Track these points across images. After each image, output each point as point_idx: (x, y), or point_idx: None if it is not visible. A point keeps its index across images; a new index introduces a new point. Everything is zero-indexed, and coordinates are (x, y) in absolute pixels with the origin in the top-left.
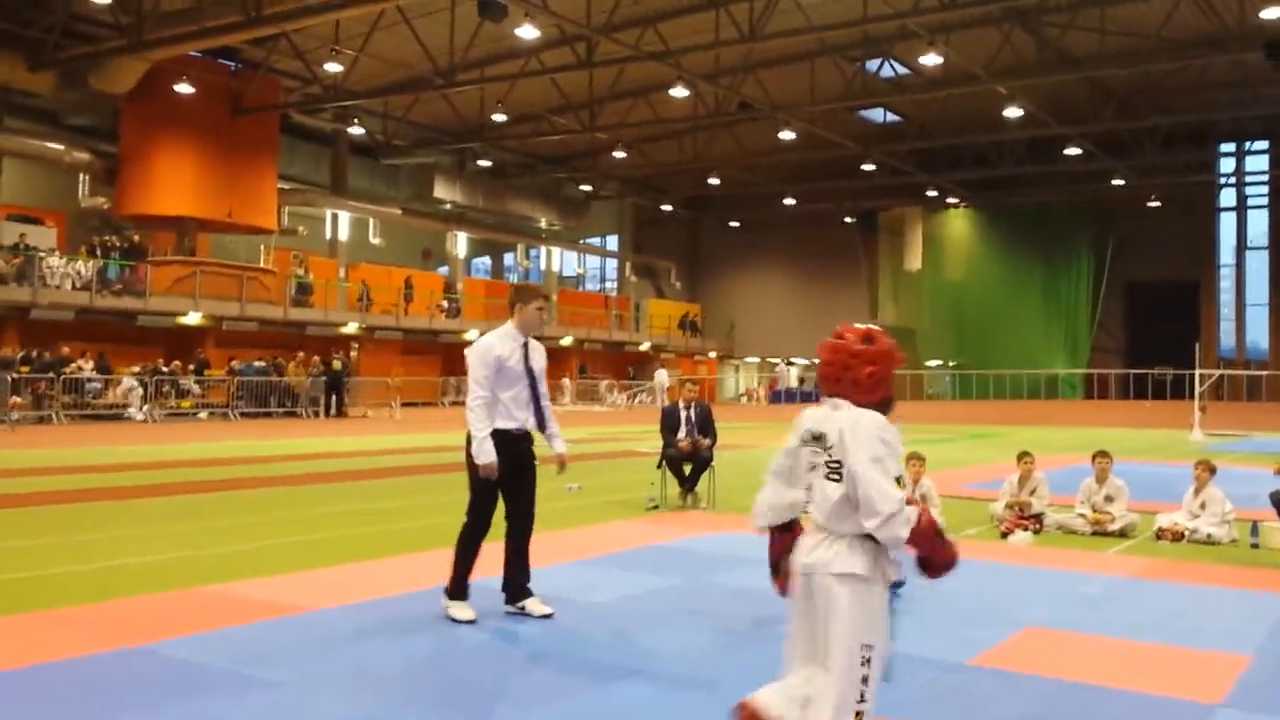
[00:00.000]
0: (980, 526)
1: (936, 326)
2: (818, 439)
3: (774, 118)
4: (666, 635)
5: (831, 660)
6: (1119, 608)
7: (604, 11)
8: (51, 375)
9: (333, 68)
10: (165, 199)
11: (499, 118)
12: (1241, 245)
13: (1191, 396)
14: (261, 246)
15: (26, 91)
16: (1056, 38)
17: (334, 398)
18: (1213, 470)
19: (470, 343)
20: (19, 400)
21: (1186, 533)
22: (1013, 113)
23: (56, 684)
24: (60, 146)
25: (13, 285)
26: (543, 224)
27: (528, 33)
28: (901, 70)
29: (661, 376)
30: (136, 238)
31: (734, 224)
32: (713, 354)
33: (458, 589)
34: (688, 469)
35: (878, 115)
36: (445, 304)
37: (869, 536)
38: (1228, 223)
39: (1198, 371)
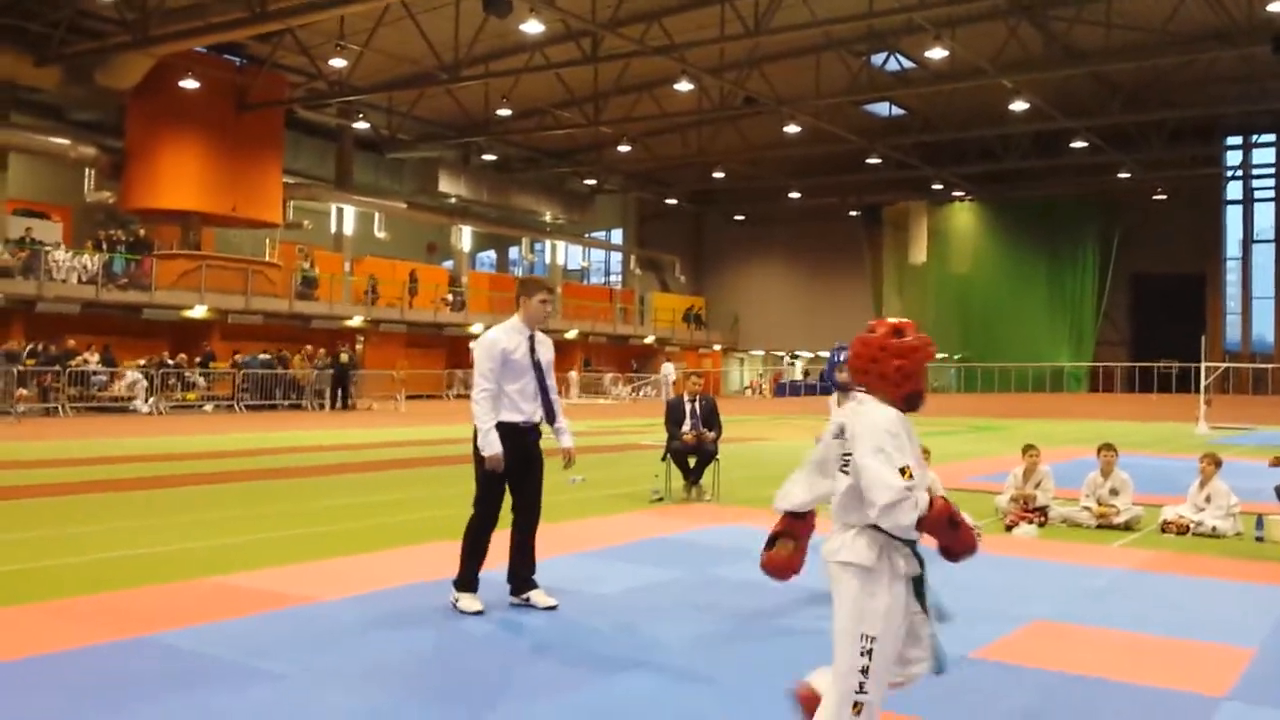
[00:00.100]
0: (985, 519)
1: (941, 320)
2: (842, 433)
3: (779, 112)
4: (670, 627)
5: (835, 648)
6: (1124, 601)
7: (609, 6)
8: (57, 368)
9: (338, 63)
10: (171, 193)
11: (504, 112)
12: (1248, 238)
13: (1197, 390)
14: (266, 240)
15: (33, 87)
16: (1063, 31)
17: (340, 390)
18: (1218, 463)
19: (476, 336)
20: (25, 393)
21: (1191, 526)
22: (1018, 106)
23: (57, 675)
24: (66, 141)
25: (19, 279)
26: (547, 218)
27: (532, 27)
28: (907, 64)
29: (668, 370)
30: (142, 232)
31: (739, 218)
32: (717, 347)
33: (466, 581)
34: (692, 462)
35: (883, 109)
36: (450, 297)
37: (877, 527)
38: (1234, 216)
39: (1203, 365)
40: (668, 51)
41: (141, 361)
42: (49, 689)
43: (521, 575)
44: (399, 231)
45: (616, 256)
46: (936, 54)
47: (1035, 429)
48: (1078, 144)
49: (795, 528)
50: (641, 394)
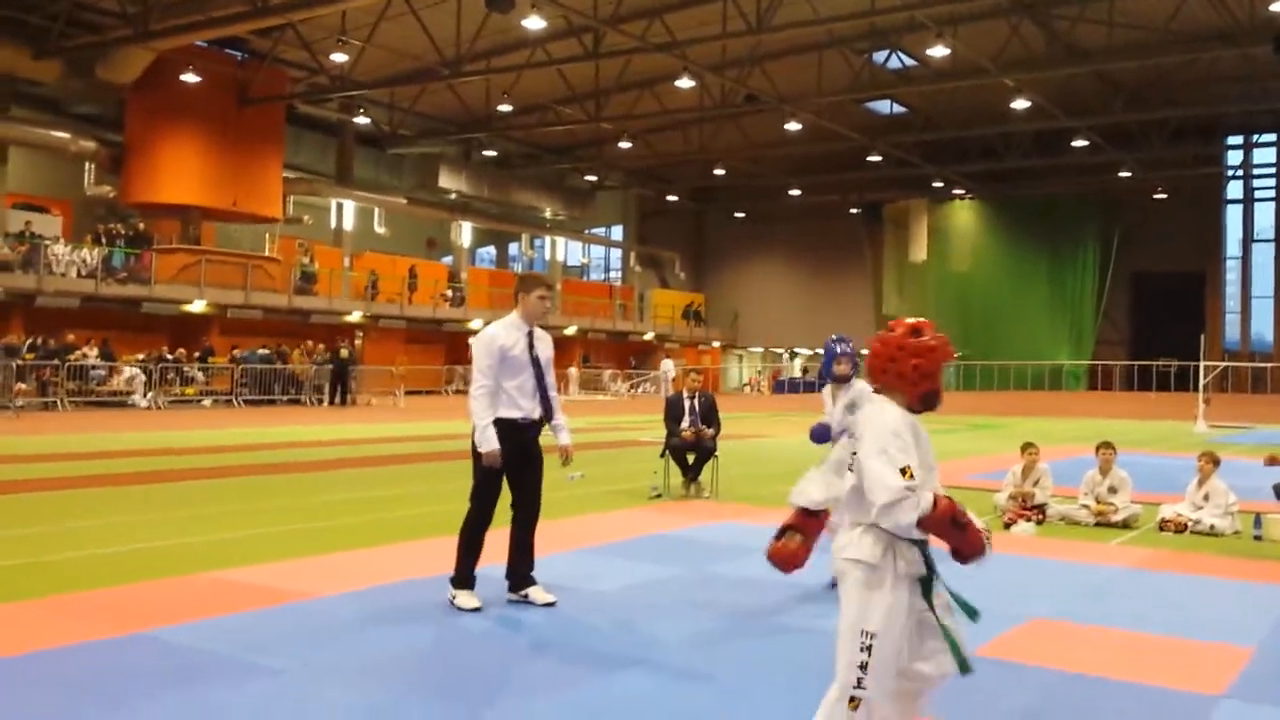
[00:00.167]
0: (984, 517)
1: (941, 318)
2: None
3: (780, 109)
4: (669, 625)
5: (838, 643)
6: (1122, 599)
7: (611, 2)
8: (56, 362)
9: (339, 58)
10: (170, 188)
11: (505, 108)
12: (1248, 238)
13: (1196, 389)
14: (266, 235)
15: (32, 80)
16: (1065, 30)
17: (340, 386)
18: (1216, 462)
19: (475, 332)
20: (24, 387)
21: (1190, 524)
22: (1020, 105)
23: (56, 671)
24: (66, 135)
25: (18, 273)
26: (547, 214)
27: (534, 24)
28: (909, 62)
29: (668, 366)
30: (141, 226)
31: (739, 215)
32: (716, 344)
33: (463, 577)
34: (691, 458)
35: (884, 107)
36: (449, 293)
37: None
38: (1234, 215)
39: (1202, 363)
40: (669, 48)
41: (140, 356)
42: (48, 685)
43: (520, 572)
44: (399, 227)
45: (616, 253)
46: (938, 52)
47: (1034, 427)
48: (1079, 143)
49: (806, 524)
50: (640, 390)
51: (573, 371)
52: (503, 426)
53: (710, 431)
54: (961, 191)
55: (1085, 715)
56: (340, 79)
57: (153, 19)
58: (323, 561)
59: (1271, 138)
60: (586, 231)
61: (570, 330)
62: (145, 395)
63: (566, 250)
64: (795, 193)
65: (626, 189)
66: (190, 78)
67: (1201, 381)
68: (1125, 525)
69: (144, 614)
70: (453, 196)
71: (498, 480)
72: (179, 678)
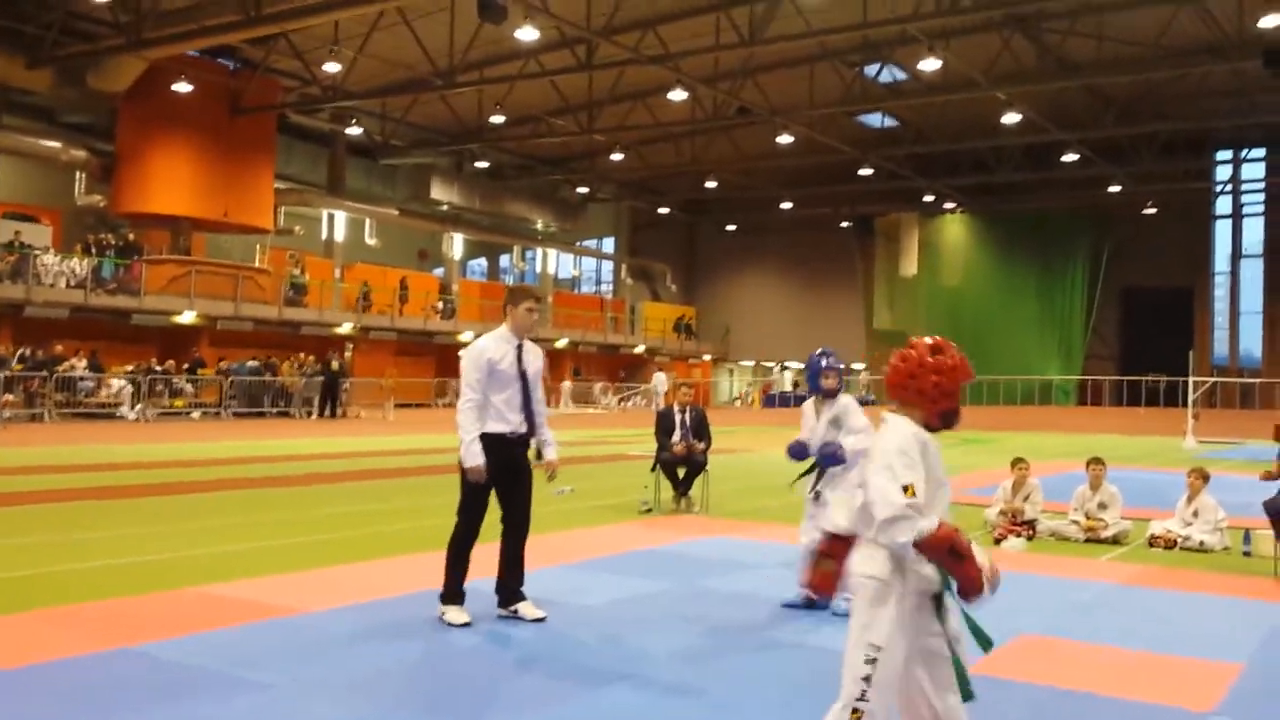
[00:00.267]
0: (974, 533)
1: (932, 332)
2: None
3: (772, 122)
4: (658, 640)
5: (845, 655)
6: (1111, 615)
7: (604, 14)
8: (44, 373)
9: (331, 68)
10: (161, 198)
11: (497, 119)
12: (1237, 253)
13: (1185, 404)
14: (257, 246)
15: (24, 89)
16: (1056, 44)
17: (330, 398)
18: (1206, 478)
19: (466, 344)
20: (11, 398)
21: (1179, 540)
22: (1011, 118)
23: (42, 685)
24: (57, 144)
25: (7, 283)
26: (539, 226)
27: (527, 35)
28: (900, 75)
29: (660, 379)
30: (131, 236)
31: (731, 227)
32: (707, 357)
33: (452, 593)
34: (682, 472)
35: (876, 120)
36: (440, 305)
37: None
38: (1223, 230)
39: (1191, 379)
40: (662, 60)
41: (129, 367)
42: (37, 699)
43: (510, 587)
44: (390, 238)
45: (608, 265)
46: (930, 65)
47: (1024, 442)
48: (1070, 157)
49: (836, 549)
50: (630, 404)
51: (566, 385)
52: (490, 441)
53: (701, 446)
54: (953, 205)
55: None
56: (332, 89)
57: (145, 28)
58: (312, 576)
59: (1261, 153)
60: (578, 243)
61: (561, 343)
62: (133, 407)
63: (558, 262)
64: (787, 205)
65: (618, 201)
66: (182, 87)
67: (1190, 397)
68: (1115, 541)
69: (133, 628)
70: (444, 208)
71: (484, 495)
72: (166, 693)
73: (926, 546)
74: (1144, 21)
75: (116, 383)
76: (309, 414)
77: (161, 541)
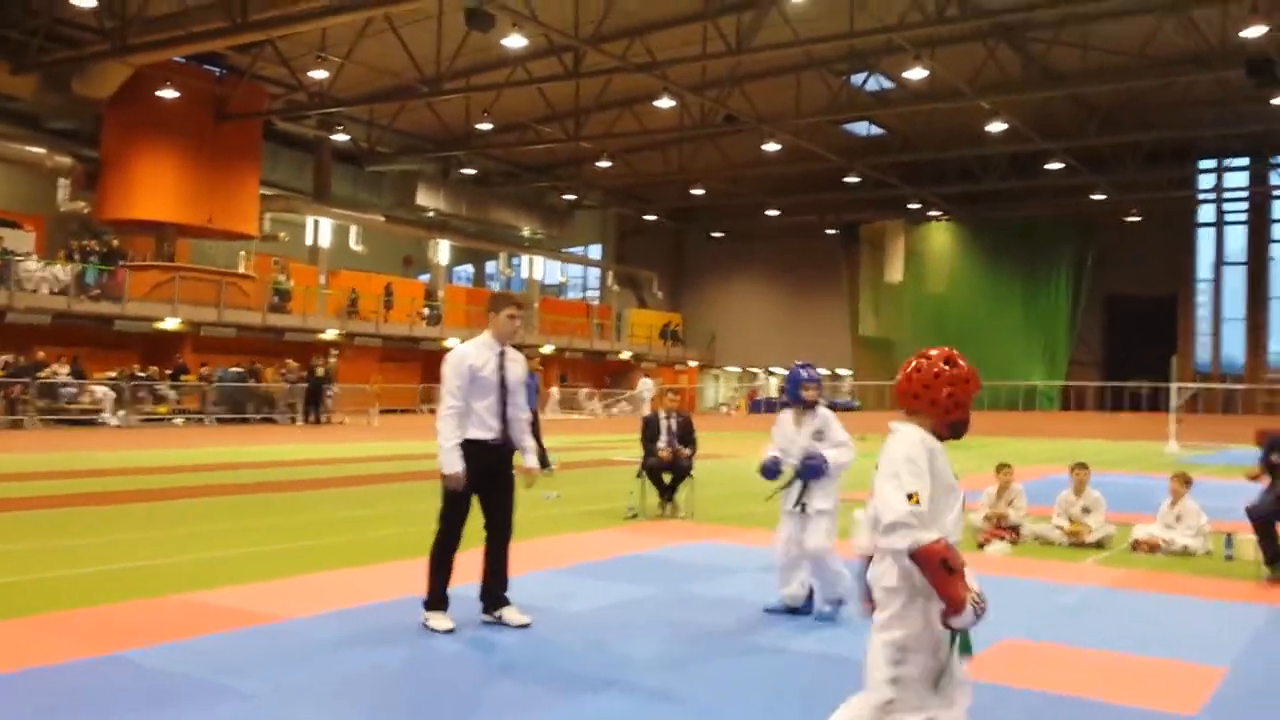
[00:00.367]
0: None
1: (917, 339)
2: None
3: (759, 130)
4: (643, 646)
5: (868, 662)
6: (1096, 619)
7: (591, 22)
8: (26, 380)
9: (318, 74)
10: (146, 204)
11: (484, 126)
12: (1219, 260)
13: (1168, 409)
14: (242, 252)
15: (8, 94)
16: (1041, 54)
17: (315, 404)
18: (1188, 483)
19: (451, 350)
20: None
21: (1162, 544)
22: (996, 127)
23: (24, 693)
24: (41, 150)
25: None
26: (525, 232)
27: (515, 42)
28: (886, 84)
29: (646, 385)
30: (115, 242)
31: (718, 235)
32: (693, 363)
33: (435, 599)
34: (668, 478)
35: (862, 128)
36: (426, 311)
37: None
38: (1206, 238)
39: (1174, 385)
40: (650, 68)
41: (112, 374)
42: (17, 707)
43: (494, 593)
44: (375, 245)
45: (594, 272)
46: (916, 74)
47: (1009, 447)
48: (1054, 165)
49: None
50: (615, 410)
51: (553, 391)
52: (472, 447)
53: (687, 451)
54: (938, 213)
55: None
56: (319, 96)
57: (131, 34)
58: (296, 583)
59: (1243, 162)
60: (564, 250)
61: (547, 349)
62: (116, 413)
63: (545, 269)
64: (773, 213)
65: (605, 208)
66: (168, 93)
67: (1173, 403)
68: (1099, 545)
69: (116, 635)
70: (431, 214)
71: (464, 501)
72: (150, 700)
73: (921, 556)
74: (1128, 31)
75: (99, 389)
76: (293, 420)
77: (146, 548)
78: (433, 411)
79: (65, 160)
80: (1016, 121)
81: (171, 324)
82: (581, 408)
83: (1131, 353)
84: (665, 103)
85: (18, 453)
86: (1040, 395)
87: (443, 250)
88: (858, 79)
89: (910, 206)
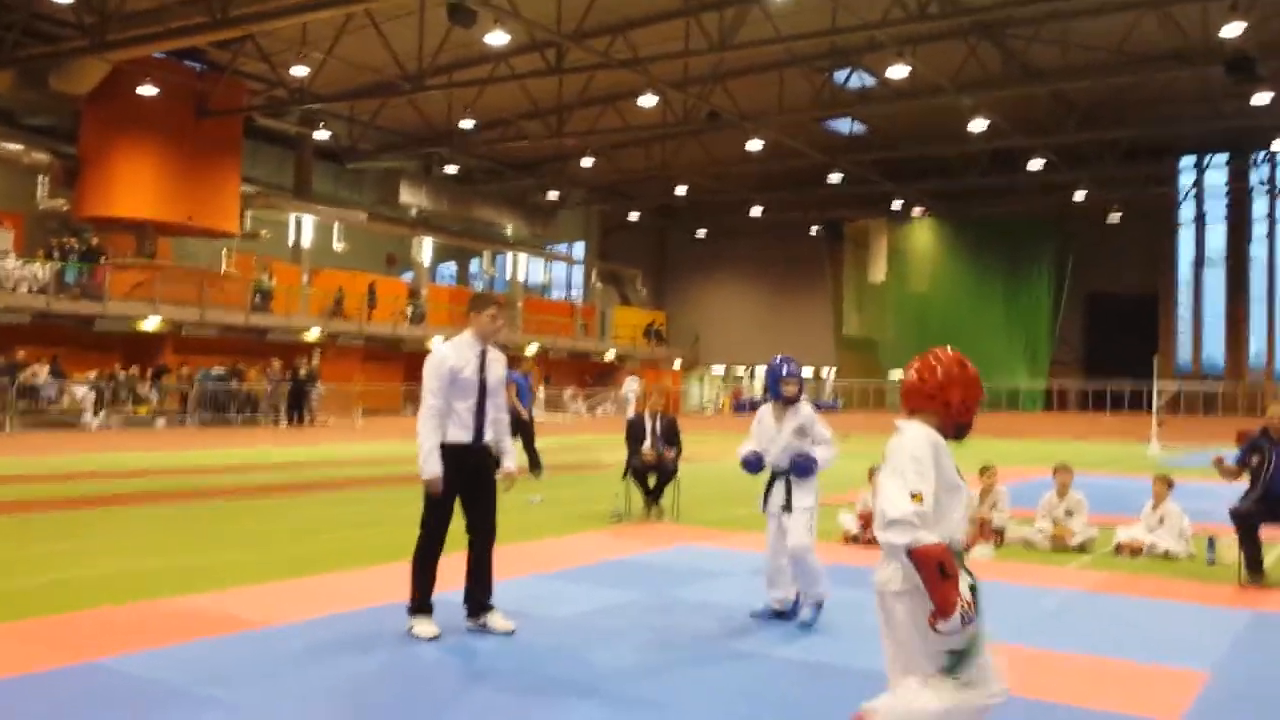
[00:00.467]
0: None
1: (900, 337)
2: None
3: (742, 127)
4: (625, 652)
5: (893, 664)
6: (1079, 622)
7: (574, 18)
8: (5, 380)
9: (299, 70)
10: (125, 201)
11: (467, 123)
12: (1200, 259)
13: (1149, 409)
14: (224, 251)
15: None
16: (1021, 51)
17: (298, 405)
18: (1170, 485)
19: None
20: None
21: (1145, 547)
22: (977, 124)
23: (4, 702)
24: (18, 147)
25: None
26: (509, 230)
27: (497, 38)
28: (869, 81)
29: (631, 385)
30: (95, 240)
31: (701, 232)
32: (677, 363)
33: (419, 605)
34: (652, 480)
35: (844, 125)
36: (409, 310)
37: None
38: (1186, 237)
39: (1155, 385)
40: (633, 65)
41: (92, 374)
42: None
43: (477, 598)
44: (358, 243)
45: (578, 271)
46: (898, 71)
47: (990, 448)
48: (1035, 161)
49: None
50: (600, 410)
51: (539, 393)
52: (452, 449)
53: (672, 453)
54: (920, 210)
55: None
56: (300, 92)
57: (110, 30)
58: (280, 588)
59: (1223, 159)
60: (548, 248)
61: (531, 349)
62: (96, 415)
63: (528, 268)
64: (757, 211)
65: (588, 205)
66: (147, 90)
67: (1155, 403)
68: (1081, 548)
69: (97, 642)
70: (413, 212)
71: (446, 505)
72: (132, 709)
73: (919, 555)
74: (1108, 28)
75: (79, 390)
76: (276, 421)
77: (125, 553)
78: (417, 412)
79: (43, 157)
80: (997, 118)
81: (153, 324)
82: (565, 408)
83: (1113, 352)
84: (648, 99)
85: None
86: (1023, 396)
87: (426, 248)
88: (840, 76)
89: (893, 204)
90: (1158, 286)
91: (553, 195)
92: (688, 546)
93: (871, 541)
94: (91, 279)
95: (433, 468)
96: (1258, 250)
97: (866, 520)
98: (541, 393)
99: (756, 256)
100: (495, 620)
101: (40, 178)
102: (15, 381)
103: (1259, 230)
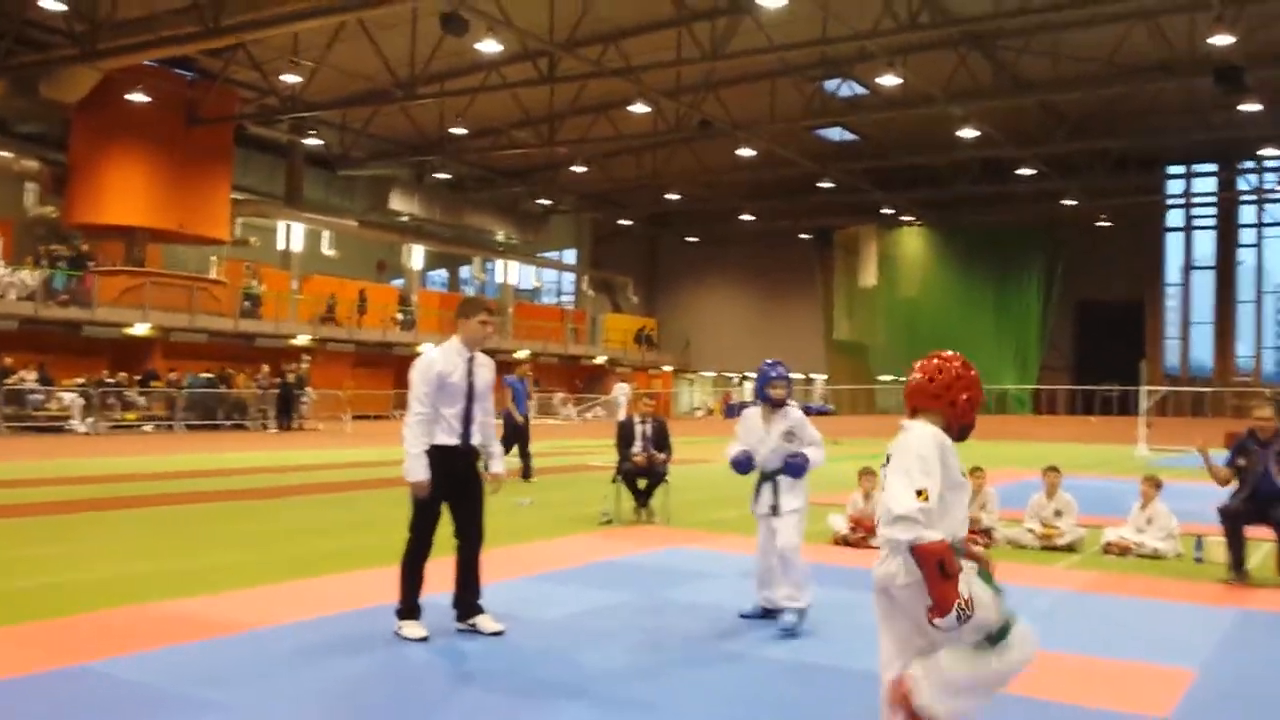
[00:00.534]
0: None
1: (891, 343)
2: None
3: (733, 135)
4: (615, 654)
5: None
6: (1068, 621)
7: (567, 27)
8: None
9: (290, 79)
10: (115, 208)
11: (458, 131)
12: (1188, 265)
13: (1138, 412)
14: (213, 257)
15: None
16: (1011, 61)
17: (287, 410)
18: (1158, 485)
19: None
20: None
21: (1133, 547)
22: (967, 134)
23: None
24: (8, 154)
25: None
26: (500, 237)
27: (489, 47)
28: (859, 90)
29: (622, 389)
30: (84, 247)
31: (692, 239)
32: (668, 368)
33: (407, 608)
34: (643, 484)
35: (835, 134)
36: (400, 316)
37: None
38: (1175, 243)
39: (1144, 388)
40: (624, 73)
41: (80, 380)
42: None
43: (466, 600)
44: (348, 249)
45: (569, 277)
46: (888, 81)
47: (980, 450)
48: (1024, 171)
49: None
50: (591, 415)
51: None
52: (440, 453)
53: (662, 456)
54: (910, 218)
55: None
56: (291, 100)
57: (101, 38)
58: (271, 591)
59: (1211, 168)
60: (539, 255)
61: (522, 354)
62: (84, 420)
63: (519, 274)
64: (747, 218)
65: (580, 213)
66: (138, 97)
67: (1143, 406)
68: (1070, 549)
69: (90, 646)
70: (404, 219)
71: (433, 508)
72: (125, 712)
73: (921, 553)
74: (1097, 39)
75: (67, 396)
76: (264, 426)
77: (120, 557)
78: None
79: (33, 164)
80: (987, 128)
81: (141, 329)
82: (556, 413)
83: (1101, 357)
84: (640, 108)
85: None
86: (1012, 398)
87: (416, 255)
88: (831, 85)
89: (883, 212)
90: (1146, 292)
91: (544, 203)
92: (677, 549)
93: (861, 543)
94: (80, 285)
95: (419, 472)
96: (1245, 256)
97: (856, 522)
98: (533, 396)
99: (747, 263)
100: (484, 622)
101: (29, 184)
102: (3, 387)
103: (1246, 237)
